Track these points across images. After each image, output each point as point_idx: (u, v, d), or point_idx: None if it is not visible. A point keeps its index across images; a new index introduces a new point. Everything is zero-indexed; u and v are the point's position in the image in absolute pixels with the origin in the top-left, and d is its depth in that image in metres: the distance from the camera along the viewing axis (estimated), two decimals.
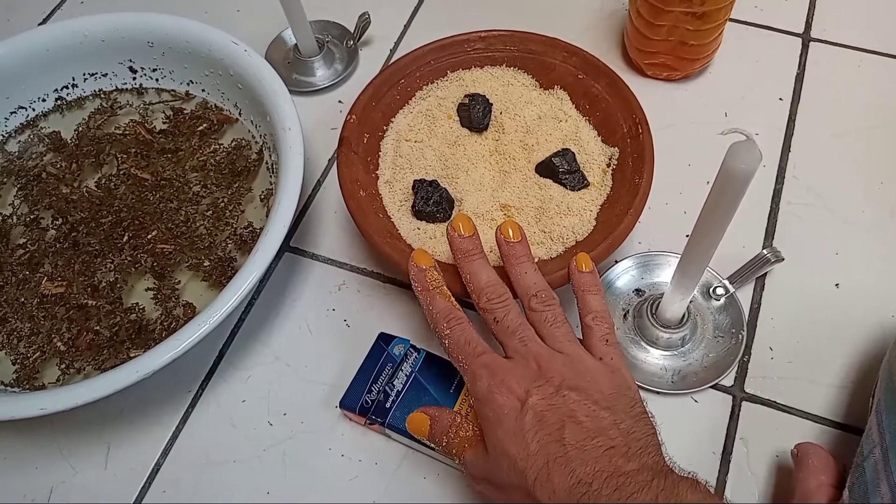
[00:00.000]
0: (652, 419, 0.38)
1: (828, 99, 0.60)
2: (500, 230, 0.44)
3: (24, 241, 0.53)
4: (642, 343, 0.49)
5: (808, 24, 0.65)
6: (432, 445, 0.42)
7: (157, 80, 0.60)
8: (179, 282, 0.51)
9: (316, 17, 0.66)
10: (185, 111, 0.59)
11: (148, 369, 0.42)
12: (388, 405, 0.44)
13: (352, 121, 0.51)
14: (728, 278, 0.50)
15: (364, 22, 0.64)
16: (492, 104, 0.54)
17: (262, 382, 0.49)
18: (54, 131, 0.58)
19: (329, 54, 0.64)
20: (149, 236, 0.52)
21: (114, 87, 0.60)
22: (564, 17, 0.66)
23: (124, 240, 0.52)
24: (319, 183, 0.59)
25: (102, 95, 0.60)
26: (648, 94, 0.55)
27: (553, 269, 0.46)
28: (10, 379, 0.48)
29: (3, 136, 0.58)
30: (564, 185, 0.50)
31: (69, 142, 0.58)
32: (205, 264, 0.51)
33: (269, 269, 0.52)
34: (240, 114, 0.58)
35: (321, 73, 0.63)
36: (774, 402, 0.47)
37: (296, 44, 0.63)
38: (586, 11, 0.67)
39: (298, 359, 0.50)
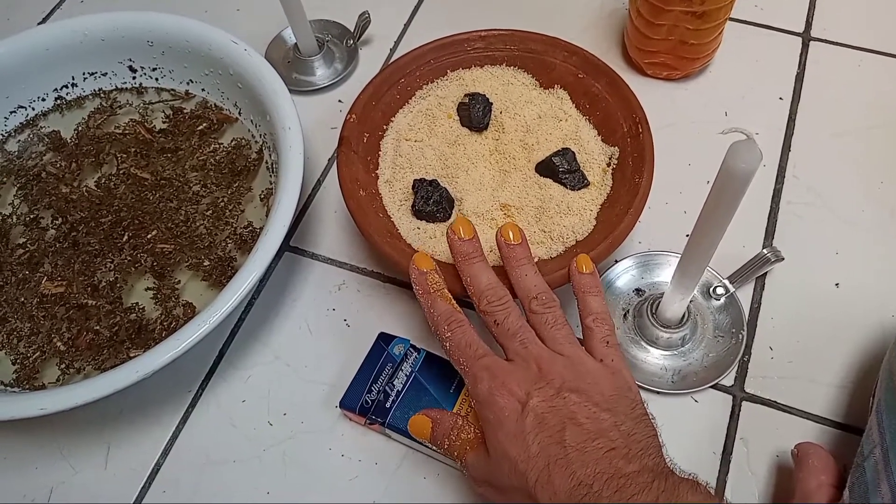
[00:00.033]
0: (653, 421, 0.38)
1: (828, 98, 0.60)
2: (501, 233, 0.44)
3: (24, 240, 0.53)
4: (642, 343, 0.49)
5: (809, 24, 0.65)
6: (434, 448, 0.42)
7: (156, 79, 0.60)
8: (179, 281, 0.51)
9: (316, 17, 0.66)
10: (185, 110, 0.59)
11: (148, 369, 0.42)
12: (388, 405, 0.44)
13: (352, 120, 0.51)
14: (728, 278, 0.50)
15: (364, 21, 0.64)
16: (492, 103, 0.54)
17: (262, 382, 0.49)
18: (54, 131, 0.58)
19: (329, 53, 0.64)
20: (149, 236, 0.52)
21: (113, 87, 0.60)
22: (564, 17, 0.66)
23: (124, 239, 0.52)
24: (319, 182, 0.59)
25: (102, 95, 0.60)
26: (648, 93, 0.55)
27: (553, 268, 0.45)
28: (10, 379, 0.48)
29: (3, 136, 0.58)
30: (564, 185, 0.50)
31: (69, 141, 0.58)
32: (205, 264, 0.51)
33: (269, 268, 0.52)
34: (240, 113, 0.58)
35: (321, 73, 0.63)
36: (775, 401, 0.47)
37: (296, 43, 0.63)
38: (586, 11, 0.67)
39: (298, 359, 0.50)
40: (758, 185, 0.55)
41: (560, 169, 0.50)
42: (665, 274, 0.51)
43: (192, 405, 0.49)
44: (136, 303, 0.50)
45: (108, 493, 0.46)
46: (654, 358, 0.48)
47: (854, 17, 0.65)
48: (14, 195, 0.56)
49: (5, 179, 0.57)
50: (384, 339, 0.47)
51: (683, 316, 0.48)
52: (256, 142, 0.56)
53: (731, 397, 0.47)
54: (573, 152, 0.51)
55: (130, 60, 0.59)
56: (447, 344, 0.41)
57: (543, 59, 0.55)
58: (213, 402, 0.49)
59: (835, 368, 0.48)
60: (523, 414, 0.37)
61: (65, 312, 0.50)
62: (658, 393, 0.47)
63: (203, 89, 0.59)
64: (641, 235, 0.53)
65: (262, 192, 0.54)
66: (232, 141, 0.57)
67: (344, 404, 0.45)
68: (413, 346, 0.47)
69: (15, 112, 0.58)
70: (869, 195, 0.55)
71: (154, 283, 0.51)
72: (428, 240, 0.49)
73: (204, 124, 0.57)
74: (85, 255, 0.52)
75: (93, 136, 0.58)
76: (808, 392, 0.47)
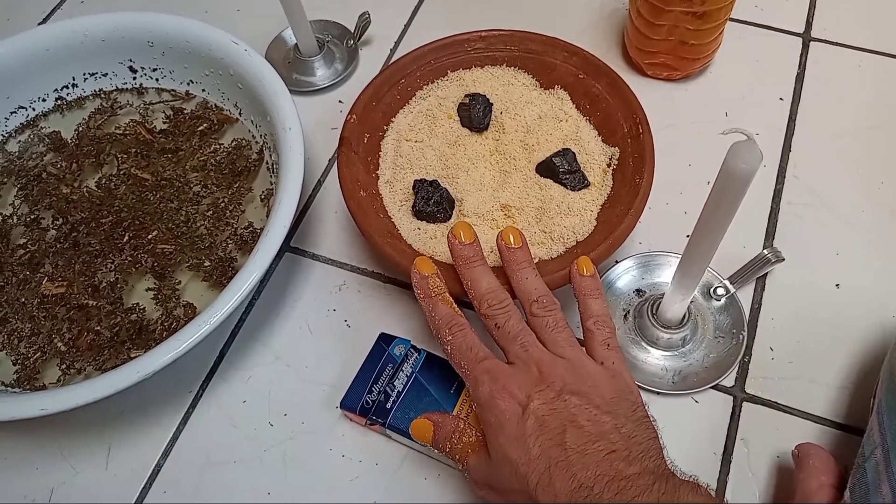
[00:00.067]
0: (653, 423, 0.38)
1: (828, 99, 0.60)
2: (501, 236, 0.44)
3: (25, 241, 0.53)
4: (643, 343, 0.49)
5: (809, 24, 0.65)
6: (435, 451, 0.42)
7: (157, 79, 0.60)
8: (180, 282, 0.51)
9: (316, 17, 0.66)
10: (186, 111, 0.59)
11: (149, 370, 0.42)
12: (388, 406, 0.44)
13: (352, 121, 0.51)
14: (729, 278, 0.50)
15: (364, 21, 0.64)
16: (492, 104, 0.54)
17: (263, 383, 0.49)
18: (54, 131, 0.58)
19: (329, 54, 0.64)
20: (149, 236, 0.52)
21: (114, 87, 0.60)
22: (565, 17, 0.66)
23: (125, 240, 0.52)
24: (320, 183, 0.59)
25: (102, 95, 0.60)
26: (649, 93, 0.55)
27: (554, 269, 0.46)
28: (10, 379, 0.48)
29: (4, 136, 0.58)
30: (565, 185, 0.50)
31: (69, 142, 0.58)
32: (205, 264, 0.51)
33: (270, 269, 0.52)
34: (240, 114, 0.58)
35: (321, 73, 0.63)
36: (775, 402, 0.47)
37: (296, 43, 0.63)
38: (586, 11, 0.67)
39: (299, 359, 0.50)
40: (758, 186, 0.55)
41: (560, 169, 0.50)
42: (665, 274, 0.51)
43: (193, 406, 0.49)
44: (137, 303, 0.50)
45: (109, 493, 0.46)
46: (654, 358, 0.48)
47: (854, 18, 0.65)
48: (15, 196, 0.56)
49: (6, 180, 0.57)
50: (385, 340, 0.47)
51: (684, 316, 0.48)
52: (257, 142, 0.56)
53: (731, 398, 0.47)
54: (573, 153, 0.51)
55: (131, 61, 0.59)
56: (448, 347, 0.41)
57: (544, 59, 0.55)
58: (213, 403, 0.49)
59: (835, 369, 0.48)
60: (524, 417, 0.37)
61: (65, 313, 0.50)
62: (658, 393, 0.47)
63: (203, 90, 0.59)
64: (642, 236, 0.53)
65: (263, 192, 0.54)
66: (232, 141, 0.57)
67: (344, 405, 0.45)
68: (414, 347, 0.47)
69: (15, 112, 0.58)
70: (869, 195, 0.55)
71: (155, 283, 0.51)
72: (428, 240, 0.49)
73: (204, 125, 0.57)
74: (85, 256, 0.52)
75: (93, 136, 0.58)
76: (809, 393, 0.47)
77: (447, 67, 0.56)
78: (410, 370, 0.46)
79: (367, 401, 0.45)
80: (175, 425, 0.48)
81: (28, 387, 0.48)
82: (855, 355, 0.48)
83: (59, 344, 0.48)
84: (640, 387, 0.46)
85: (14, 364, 0.48)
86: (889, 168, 0.56)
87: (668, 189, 0.54)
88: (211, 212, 0.53)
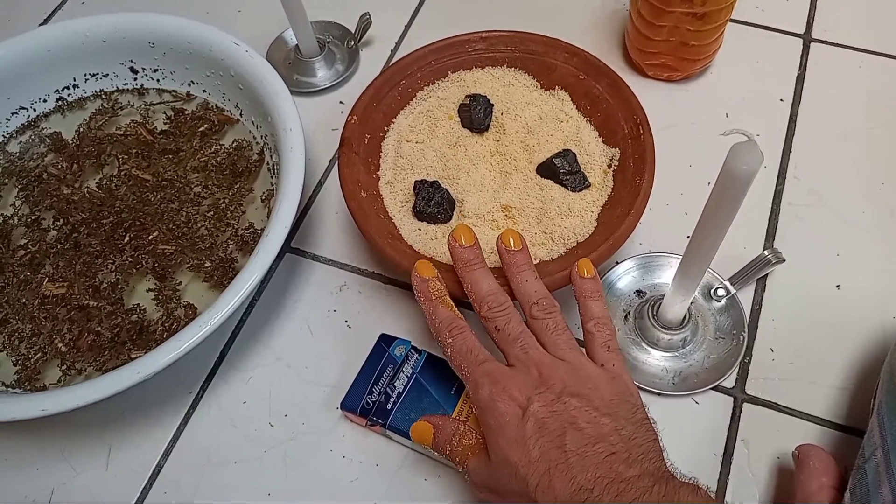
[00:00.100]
0: (653, 425, 0.38)
1: (829, 100, 0.60)
2: (501, 239, 0.44)
3: (26, 241, 0.53)
4: (643, 344, 0.49)
5: (809, 25, 0.65)
6: (434, 453, 0.42)
7: (158, 80, 0.60)
8: (180, 283, 0.51)
9: (317, 18, 0.66)
10: (186, 112, 0.59)
11: (149, 370, 0.42)
12: (389, 406, 0.44)
13: (353, 121, 0.51)
14: (729, 279, 0.50)
15: (365, 22, 0.64)
16: (493, 105, 0.54)
17: (263, 383, 0.49)
18: (55, 132, 0.58)
19: (330, 55, 0.64)
20: (150, 237, 0.52)
21: (115, 88, 0.60)
22: (565, 18, 0.66)
23: (125, 241, 0.52)
24: (320, 184, 0.59)
25: (103, 96, 0.60)
26: (649, 94, 0.55)
27: (554, 270, 0.46)
28: (11, 380, 0.48)
29: (5, 137, 0.58)
30: (565, 186, 0.50)
31: (70, 142, 0.58)
32: (206, 265, 0.51)
33: (271, 270, 0.52)
34: (241, 114, 0.58)
35: (322, 74, 0.63)
36: (775, 403, 0.47)
37: (297, 44, 0.63)
38: (587, 12, 0.67)
39: (299, 360, 0.50)
40: (758, 187, 0.55)
41: (561, 170, 0.50)
42: (666, 275, 0.51)
43: (193, 406, 0.49)
44: (138, 304, 0.50)
45: (110, 494, 0.46)
46: (654, 359, 0.48)
47: (855, 19, 0.65)
48: (15, 196, 0.56)
49: (7, 181, 0.57)
50: (385, 341, 0.47)
51: (684, 317, 0.48)
52: (258, 143, 0.56)
53: (731, 399, 0.47)
54: (574, 154, 0.51)
55: (132, 62, 0.59)
56: (448, 350, 0.41)
57: (544, 60, 0.55)
58: (214, 404, 0.49)
59: (836, 370, 0.48)
60: (524, 419, 0.37)
61: (66, 313, 0.50)
62: (659, 394, 0.47)
63: (204, 90, 0.59)
64: (642, 237, 0.53)
65: (264, 193, 0.54)
66: (233, 142, 0.57)
67: (345, 406, 0.45)
68: (414, 348, 0.47)
69: (16, 113, 0.58)
70: (869, 196, 0.55)
71: (155, 284, 0.51)
72: (429, 241, 0.49)
73: (205, 125, 0.58)
74: (86, 257, 0.52)
75: (94, 137, 0.58)
76: (809, 394, 0.47)
77: (448, 68, 0.56)
78: (411, 371, 0.46)
79: (367, 402, 0.45)
80: (175, 426, 0.48)
81: (29, 387, 0.48)
82: (855, 356, 0.48)
83: (60, 344, 0.48)
84: (640, 388, 0.46)
85: (15, 365, 0.48)
86: (889, 169, 0.56)
87: (669, 190, 0.54)
88: (212, 212, 0.53)
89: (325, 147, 0.60)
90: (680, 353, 0.48)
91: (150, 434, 0.48)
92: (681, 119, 0.60)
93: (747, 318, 0.50)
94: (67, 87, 0.59)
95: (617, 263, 0.52)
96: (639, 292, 0.51)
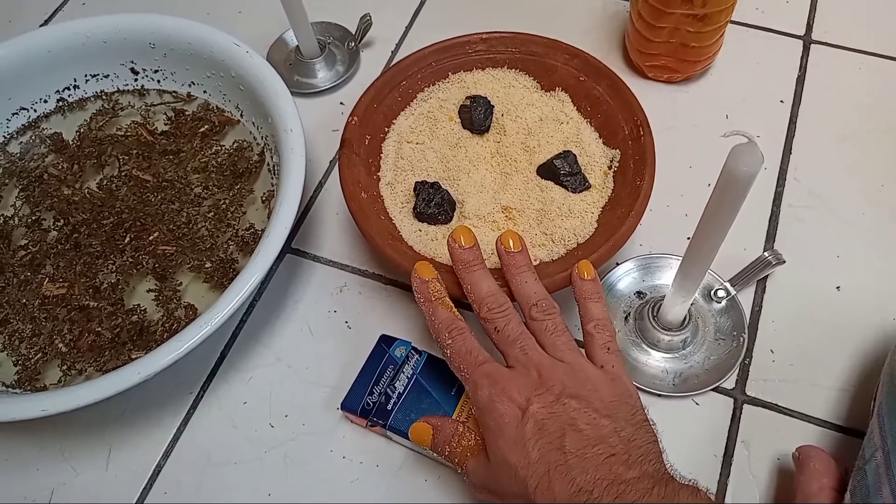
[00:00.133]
0: (653, 427, 0.38)
1: (829, 101, 0.60)
2: (501, 241, 0.44)
3: (26, 242, 0.53)
4: (643, 345, 0.49)
5: (810, 27, 0.65)
6: (434, 454, 0.42)
7: (158, 81, 0.60)
8: (181, 283, 0.51)
9: (317, 19, 0.66)
10: (187, 113, 0.59)
11: (149, 371, 0.42)
12: (389, 407, 0.44)
13: (353, 122, 0.51)
14: (729, 281, 0.50)
15: (365, 23, 0.64)
16: (493, 106, 0.54)
17: (264, 384, 0.49)
18: (56, 132, 0.58)
19: (330, 56, 0.64)
20: (150, 238, 0.52)
21: (115, 89, 0.60)
22: (566, 19, 0.66)
23: (126, 241, 0.52)
24: (321, 184, 0.59)
25: (104, 97, 0.60)
26: (649, 95, 0.55)
27: (554, 271, 0.46)
28: (11, 380, 0.48)
29: (5, 138, 0.58)
30: (566, 187, 0.50)
31: (71, 143, 0.58)
32: (206, 266, 0.51)
33: (271, 270, 0.52)
34: (241, 115, 0.58)
35: (322, 75, 0.63)
36: (776, 404, 0.47)
37: (297, 45, 0.63)
38: (587, 13, 0.67)
39: (300, 360, 0.50)
40: (759, 188, 0.55)
41: (561, 171, 0.50)
42: (666, 277, 0.52)
43: (194, 407, 0.49)
44: (138, 304, 0.50)
45: (110, 494, 0.46)
46: (655, 361, 0.48)
47: (855, 20, 0.65)
48: (16, 197, 0.56)
49: (7, 181, 0.57)
50: (385, 342, 0.47)
51: (685, 319, 0.48)
52: (258, 144, 0.56)
53: (732, 400, 0.48)
54: (574, 155, 0.51)
55: (132, 62, 0.59)
56: (448, 351, 0.41)
57: (545, 61, 0.55)
58: (214, 404, 0.49)
59: (836, 371, 0.48)
60: (523, 420, 0.37)
61: (66, 314, 0.50)
62: (659, 396, 0.47)
63: (205, 91, 0.59)
64: (643, 238, 0.53)
65: (264, 194, 0.54)
66: (234, 143, 0.57)
67: (345, 406, 0.45)
68: (414, 349, 0.47)
69: (17, 114, 0.58)
70: (870, 198, 0.55)
71: (156, 284, 0.51)
72: (429, 242, 0.49)
73: (206, 126, 0.58)
74: (86, 257, 0.52)
75: (94, 137, 0.58)
76: (810, 395, 0.47)
77: (448, 69, 0.56)
78: (411, 372, 0.46)
79: (367, 402, 0.45)
80: (176, 426, 0.48)
81: (29, 388, 0.48)
82: (855, 357, 0.48)
83: (60, 345, 0.48)
84: (640, 389, 0.46)
85: (15, 365, 0.48)
86: (889, 170, 0.56)
87: (669, 191, 0.54)
88: (212, 213, 0.53)
89: (325, 148, 0.60)
90: (680, 354, 0.48)
91: (151, 434, 0.48)
92: (681, 120, 0.60)
93: (747, 319, 0.50)
94: (68, 88, 0.59)
95: (617, 265, 0.52)
96: (639, 293, 0.51)
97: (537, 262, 0.48)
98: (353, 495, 0.45)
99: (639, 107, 0.51)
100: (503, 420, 0.37)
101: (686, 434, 0.46)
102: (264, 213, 0.54)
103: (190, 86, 0.59)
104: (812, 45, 0.64)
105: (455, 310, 0.43)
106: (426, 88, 0.56)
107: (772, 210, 0.55)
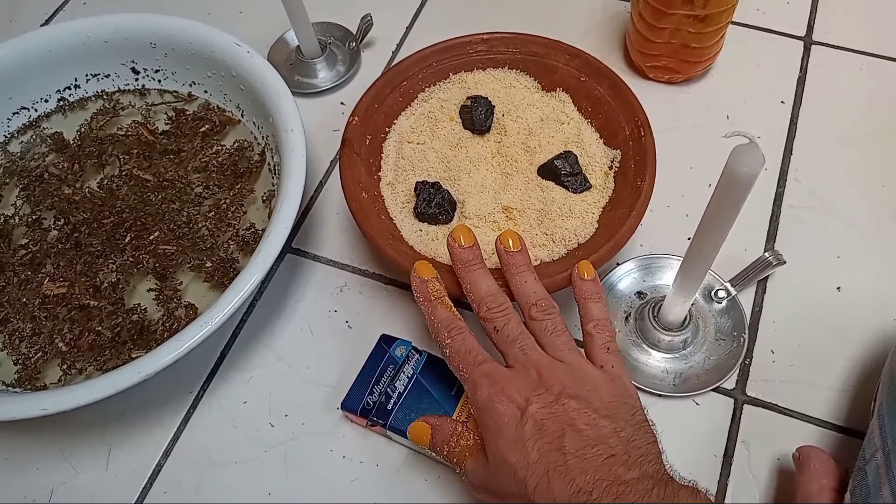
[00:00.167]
0: (653, 427, 0.38)
1: (829, 102, 0.60)
2: (500, 240, 0.44)
3: (27, 241, 0.53)
4: (644, 346, 0.49)
5: (810, 27, 0.65)
6: (433, 454, 0.42)
7: (159, 81, 0.60)
8: (181, 283, 0.51)
9: (318, 19, 0.66)
10: (188, 112, 0.59)
11: (150, 370, 0.42)
12: (389, 407, 0.44)
13: (354, 122, 0.51)
14: (730, 281, 0.50)
15: (366, 24, 0.64)
16: (494, 106, 0.54)
17: (264, 384, 0.49)
18: (56, 132, 0.58)
19: (331, 56, 0.64)
20: (151, 237, 0.52)
21: (116, 88, 0.60)
22: (566, 20, 0.66)
23: (126, 240, 0.52)
24: (321, 184, 0.59)
25: (105, 96, 0.60)
26: (650, 96, 0.55)
27: (555, 271, 0.46)
28: (11, 379, 0.48)
29: (6, 137, 0.58)
30: (566, 188, 0.50)
31: (71, 142, 0.58)
32: (207, 265, 0.51)
33: (271, 270, 0.52)
34: (242, 115, 0.58)
35: (323, 75, 0.63)
36: (776, 405, 0.47)
37: (298, 45, 0.63)
38: (588, 14, 0.67)
39: (300, 360, 0.50)
40: (759, 189, 0.54)
41: (562, 172, 0.50)
42: (667, 277, 0.52)
43: (194, 406, 0.49)
44: (138, 304, 0.50)
45: (110, 493, 0.46)
46: (655, 361, 0.48)
47: (855, 21, 0.65)
48: (17, 196, 0.56)
49: (8, 180, 0.57)
50: (386, 341, 0.47)
51: (685, 319, 0.48)
52: (259, 144, 0.56)
53: (732, 400, 0.47)
54: (575, 155, 0.51)
55: (133, 62, 0.59)
56: (447, 350, 0.41)
57: (545, 62, 0.55)
58: (214, 404, 0.49)
59: (836, 372, 0.48)
60: (522, 420, 0.37)
61: (67, 313, 0.50)
62: (659, 396, 0.47)
63: (206, 91, 0.59)
64: (643, 238, 0.53)
65: (265, 193, 0.54)
66: (234, 143, 0.57)
67: (345, 406, 0.45)
68: (415, 348, 0.47)
69: (18, 113, 0.58)
70: (870, 198, 0.55)
71: (156, 284, 0.51)
72: (430, 242, 0.49)
73: (206, 126, 0.58)
74: (87, 256, 0.52)
75: (95, 137, 0.58)
76: (810, 395, 0.47)
77: (449, 70, 0.56)
78: (411, 371, 0.46)
79: (367, 402, 0.45)
80: (176, 426, 0.48)
81: (29, 387, 0.48)
82: (856, 358, 0.48)
83: (61, 344, 0.48)
84: (640, 389, 0.47)
85: (15, 364, 0.48)
86: (890, 171, 0.56)
87: (670, 192, 0.54)
88: (213, 213, 0.53)
89: (326, 148, 0.60)
90: (680, 354, 0.48)
91: (151, 434, 0.48)
92: (682, 121, 0.60)
93: (748, 319, 0.50)
94: (69, 88, 0.59)
95: (618, 265, 0.52)
96: (639, 294, 0.51)
97: (538, 262, 0.48)
98: (353, 495, 0.45)
99: (639, 107, 0.51)
100: (502, 420, 0.37)
101: (686, 434, 0.46)
102: (265, 212, 0.54)
103: (191, 85, 0.59)
104: (813, 46, 0.64)
105: (454, 309, 0.43)
106: (427, 88, 0.56)
107: (772, 210, 0.55)
